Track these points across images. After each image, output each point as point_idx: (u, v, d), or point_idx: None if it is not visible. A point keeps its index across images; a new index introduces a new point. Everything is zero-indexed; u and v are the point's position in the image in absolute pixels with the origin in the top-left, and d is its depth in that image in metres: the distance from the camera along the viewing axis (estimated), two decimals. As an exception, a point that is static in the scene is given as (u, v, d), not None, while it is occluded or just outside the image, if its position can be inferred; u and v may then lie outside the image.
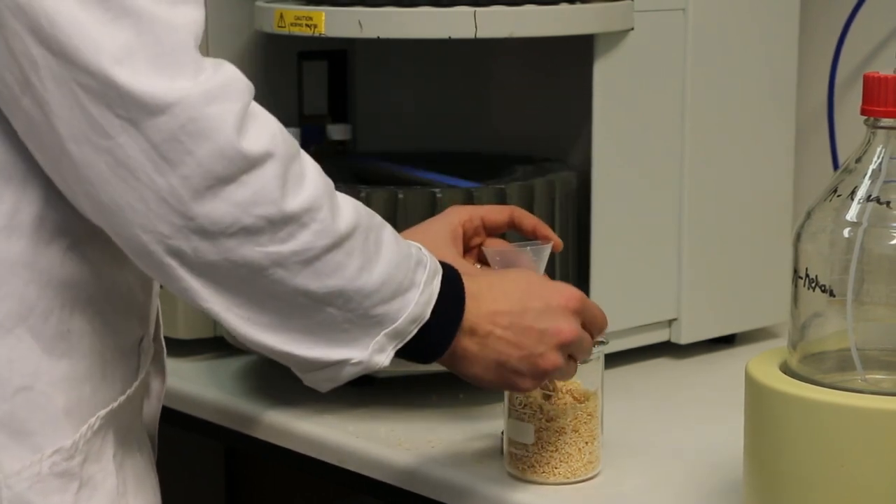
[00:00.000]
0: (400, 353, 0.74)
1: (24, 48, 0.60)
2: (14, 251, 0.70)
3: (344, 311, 0.68)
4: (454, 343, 0.75)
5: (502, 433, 1.01)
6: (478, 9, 1.08)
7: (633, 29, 1.22)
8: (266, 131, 0.64)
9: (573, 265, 1.25)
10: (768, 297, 1.35)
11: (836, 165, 1.29)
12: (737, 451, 0.90)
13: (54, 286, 0.72)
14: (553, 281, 0.90)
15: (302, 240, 0.64)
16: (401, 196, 1.14)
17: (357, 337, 0.70)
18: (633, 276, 1.27)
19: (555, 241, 0.96)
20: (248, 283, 0.66)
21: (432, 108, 1.51)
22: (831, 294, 0.71)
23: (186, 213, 0.61)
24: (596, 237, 1.23)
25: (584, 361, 0.91)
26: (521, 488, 0.99)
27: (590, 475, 1.01)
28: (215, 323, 1.30)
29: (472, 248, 0.96)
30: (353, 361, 0.71)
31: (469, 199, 1.13)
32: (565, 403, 0.97)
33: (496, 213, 0.99)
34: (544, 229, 0.98)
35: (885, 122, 0.65)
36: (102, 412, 0.77)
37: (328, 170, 0.74)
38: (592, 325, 0.84)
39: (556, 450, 0.98)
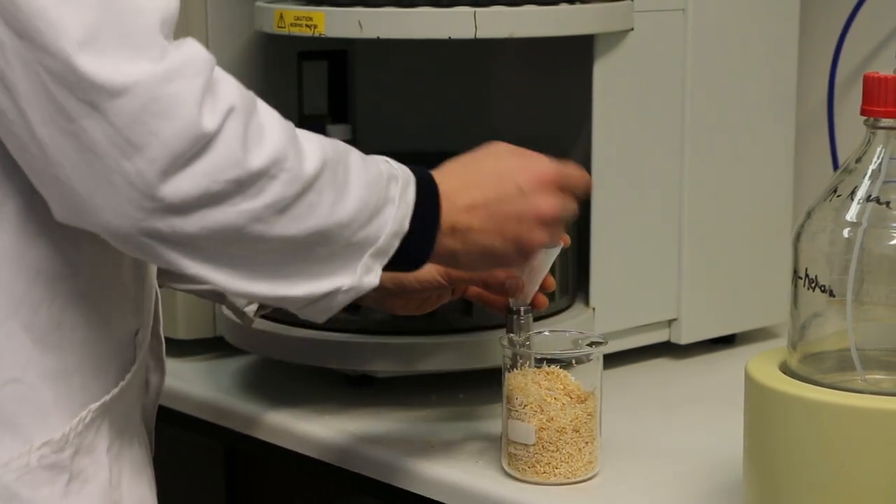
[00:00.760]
0: (387, 268, 0.73)
1: None
2: (1, 244, 0.70)
3: (327, 247, 0.69)
4: (436, 246, 0.75)
5: (502, 433, 1.01)
6: (478, 9, 1.08)
7: (632, 29, 1.22)
8: (224, 100, 0.64)
9: (573, 265, 1.25)
10: (768, 297, 1.35)
11: (835, 165, 1.29)
12: (737, 451, 0.90)
13: (44, 279, 0.72)
14: (526, 155, 0.84)
15: (273, 192, 0.65)
16: None
17: (343, 264, 0.70)
18: (633, 275, 1.27)
19: (565, 239, 0.96)
20: (230, 244, 0.66)
21: (432, 108, 1.51)
22: (831, 294, 0.71)
23: (156, 196, 0.61)
24: (596, 237, 1.23)
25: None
26: (520, 488, 0.99)
27: (589, 475, 1.01)
28: (215, 323, 1.30)
29: None
30: (344, 288, 0.71)
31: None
32: (565, 403, 0.97)
33: None
34: None
35: (885, 122, 0.65)
36: (94, 405, 0.77)
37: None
38: (573, 188, 0.84)
39: (556, 450, 0.98)
